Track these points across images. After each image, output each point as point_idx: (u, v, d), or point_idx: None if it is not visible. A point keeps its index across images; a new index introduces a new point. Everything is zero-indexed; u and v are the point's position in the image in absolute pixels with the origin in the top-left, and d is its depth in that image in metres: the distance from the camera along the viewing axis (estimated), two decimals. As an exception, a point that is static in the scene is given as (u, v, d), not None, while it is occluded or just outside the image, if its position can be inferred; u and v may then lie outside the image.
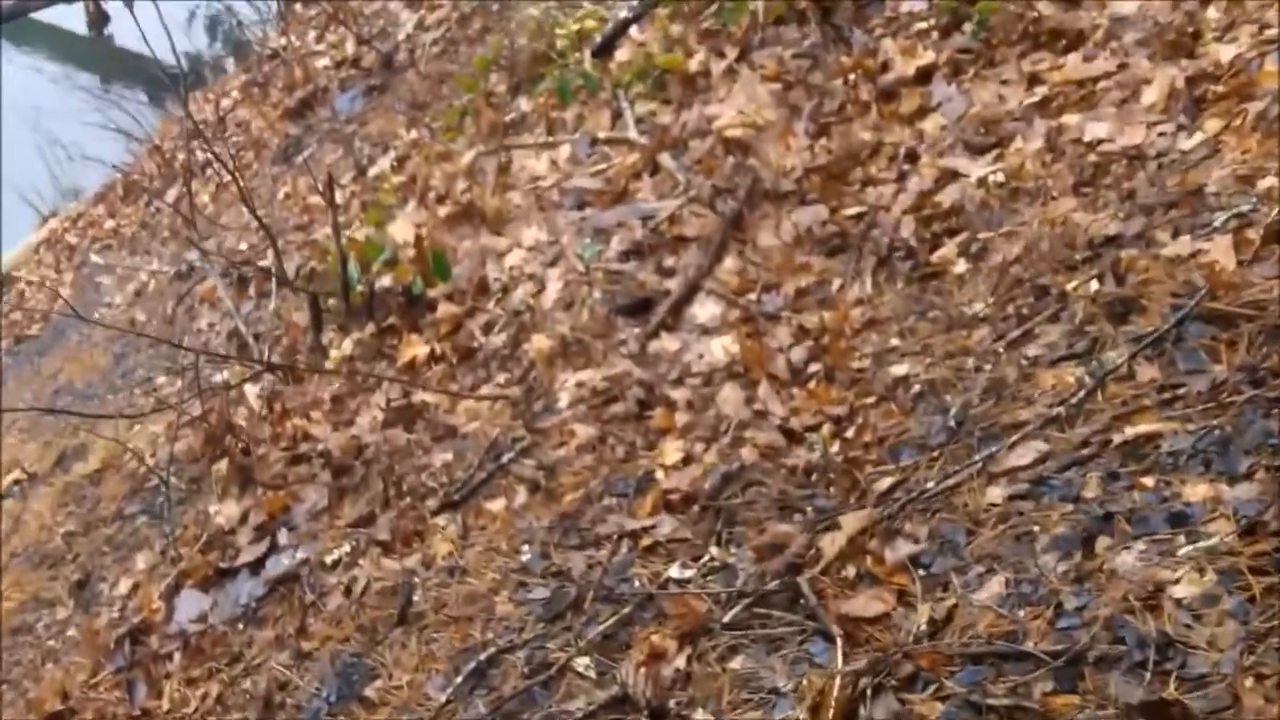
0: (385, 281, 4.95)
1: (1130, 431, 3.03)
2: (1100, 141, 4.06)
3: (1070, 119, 4.23)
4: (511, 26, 6.60)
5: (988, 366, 3.51)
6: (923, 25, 5.04)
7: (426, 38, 7.87)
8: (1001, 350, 3.55)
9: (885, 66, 4.95)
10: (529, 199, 5.21)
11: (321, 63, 8.29)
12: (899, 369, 3.69)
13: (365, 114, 7.58)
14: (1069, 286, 3.56)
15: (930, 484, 3.21)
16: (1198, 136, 3.87)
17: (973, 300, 3.80)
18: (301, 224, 6.70)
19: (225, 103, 8.86)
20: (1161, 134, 3.97)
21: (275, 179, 7.55)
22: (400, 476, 4.23)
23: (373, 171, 6.77)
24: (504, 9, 7.54)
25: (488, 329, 4.65)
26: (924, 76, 4.83)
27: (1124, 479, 2.95)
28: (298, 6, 9.26)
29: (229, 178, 7.56)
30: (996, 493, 3.11)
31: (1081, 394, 3.19)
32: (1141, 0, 4.55)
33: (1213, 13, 4.30)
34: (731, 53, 5.16)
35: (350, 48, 8.16)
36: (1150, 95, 4.10)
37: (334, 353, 4.90)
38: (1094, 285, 3.50)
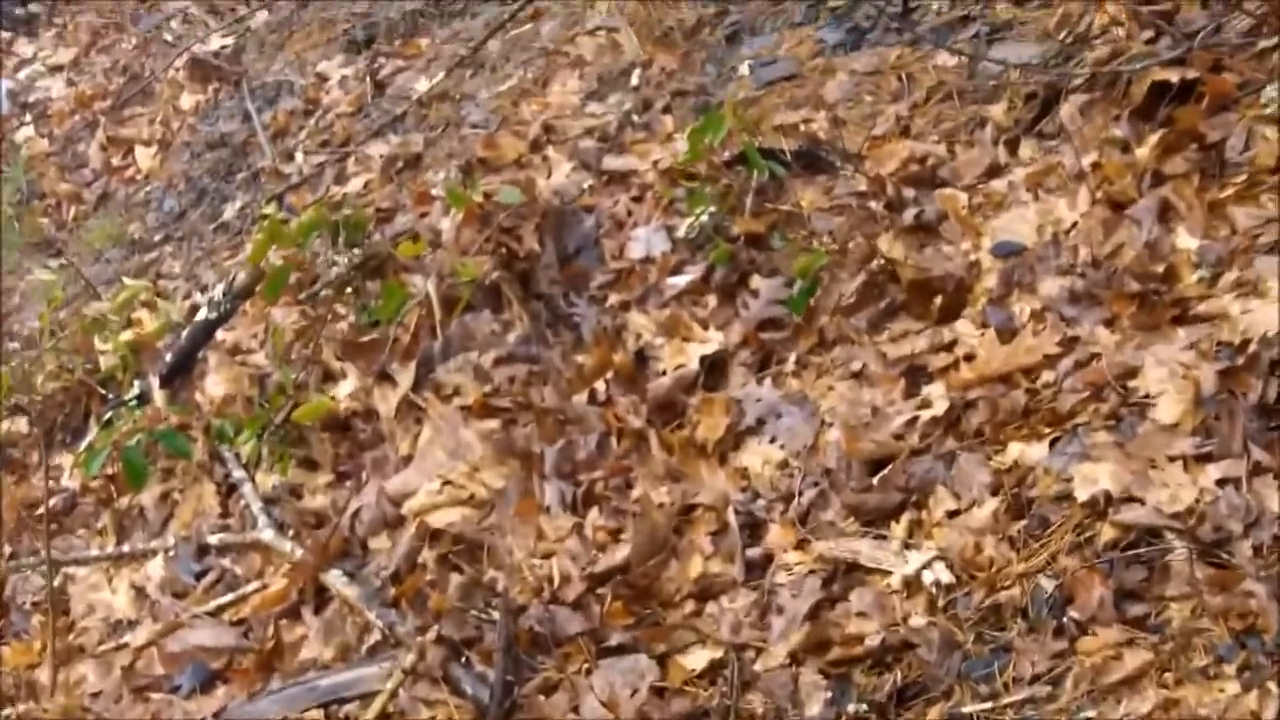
0: None
1: None
2: (1110, 501, 2.41)
3: (1024, 451, 2.60)
4: (16, 331, 4.35)
5: None
6: (678, 282, 3.29)
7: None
8: None
9: (644, 357, 3.19)
10: (113, 675, 3.08)
11: None
12: None
13: None
14: None
15: None
16: (1295, 488, 2.29)
17: None
18: None
19: None
20: (1221, 481, 2.35)
21: None
22: None
23: None
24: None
25: None
26: (715, 370, 3.09)
27: None
28: None
29: None
30: None
31: None
32: (1037, 214, 2.97)
33: (1186, 237, 2.74)
34: (404, 376, 3.22)
35: None
36: (1165, 405, 2.48)
37: None
38: None
